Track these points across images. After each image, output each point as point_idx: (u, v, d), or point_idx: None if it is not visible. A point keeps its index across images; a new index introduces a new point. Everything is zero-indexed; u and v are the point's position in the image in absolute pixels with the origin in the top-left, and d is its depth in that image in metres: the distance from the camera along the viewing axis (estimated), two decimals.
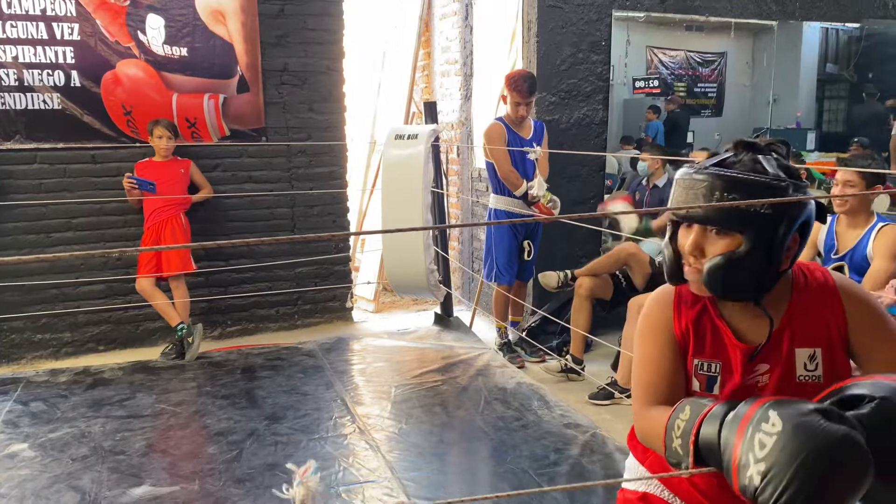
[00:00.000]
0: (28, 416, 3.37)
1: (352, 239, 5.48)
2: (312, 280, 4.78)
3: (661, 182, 4.44)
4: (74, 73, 4.11)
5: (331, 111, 4.68)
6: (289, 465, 1.51)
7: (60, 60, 4.09)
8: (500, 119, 4.00)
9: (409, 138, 4.19)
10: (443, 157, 4.94)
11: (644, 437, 1.26)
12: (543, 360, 4.07)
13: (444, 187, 4.70)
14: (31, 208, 4.15)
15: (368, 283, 5.35)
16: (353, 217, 5.19)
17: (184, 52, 4.30)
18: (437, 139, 4.38)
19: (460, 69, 5.26)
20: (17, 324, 4.19)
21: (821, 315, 1.24)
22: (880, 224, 2.79)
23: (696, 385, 1.25)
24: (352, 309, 5.03)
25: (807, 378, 1.22)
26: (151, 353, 4.29)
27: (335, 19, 4.62)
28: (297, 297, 4.78)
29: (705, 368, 1.25)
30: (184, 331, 4.14)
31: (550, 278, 3.90)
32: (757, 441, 0.93)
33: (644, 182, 4.60)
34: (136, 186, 4.07)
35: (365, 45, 5.91)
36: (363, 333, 4.74)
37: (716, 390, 1.24)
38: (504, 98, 3.96)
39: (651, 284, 3.64)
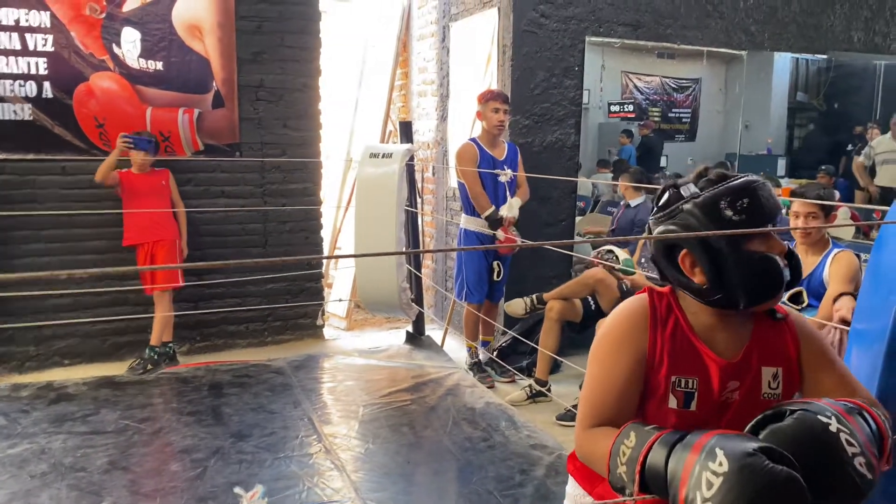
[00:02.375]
0: None
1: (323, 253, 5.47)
2: (283, 296, 4.76)
3: (634, 202, 4.51)
4: (47, 85, 4.09)
5: (306, 128, 4.69)
6: (236, 490, 1.50)
7: (33, 71, 4.06)
8: (473, 140, 4.04)
9: (383, 157, 4.21)
10: (418, 176, 4.97)
11: (586, 457, 1.26)
12: (513, 381, 4.09)
13: (419, 206, 4.73)
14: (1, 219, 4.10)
15: (340, 300, 5.34)
16: (326, 234, 5.19)
17: (159, 66, 4.30)
18: (411, 158, 4.41)
19: (437, 90, 5.31)
20: None
21: (780, 337, 1.29)
22: (836, 250, 2.86)
23: (672, 402, 1.25)
24: (323, 326, 5.02)
25: (770, 396, 1.26)
26: (118, 368, 4.24)
27: (312, 37, 4.65)
28: (268, 313, 4.76)
29: (683, 385, 1.25)
30: (155, 353, 4.15)
31: (517, 306, 3.92)
32: (704, 480, 0.96)
33: (620, 202, 4.66)
34: (132, 146, 4.01)
35: (342, 63, 5.95)
36: (334, 351, 4.72)
37: (693, 406, 1.24)
38: (479, 115, 3.99)
39: None
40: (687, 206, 1.21)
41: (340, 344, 4.96)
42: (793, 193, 3.06)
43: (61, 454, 3.08)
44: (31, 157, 4.13)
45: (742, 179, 1.20)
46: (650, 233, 1.27)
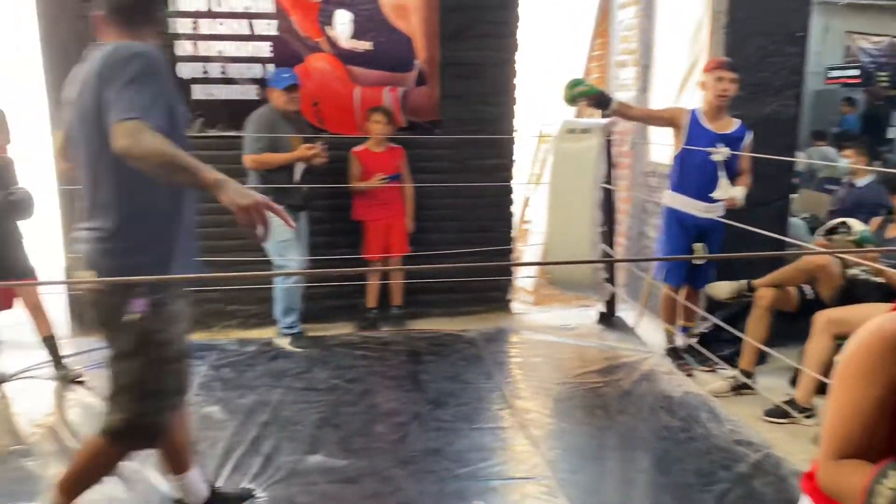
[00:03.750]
0: (220, 381, 3.71)
1: (514, 230, 5.49)
2: (475, 269, 4.85)
3: (861, 182, 4.05)
4: (270, 67, 4.43)
5: (502, 104, 4.70)
6: None
7: (259, 54, 4.42)
8: (693, 110, 3.80)
9: (582, 132, 4.12)
10: (614, 150, 4.80)
11: (832, 490, 1.16)
12: (713, 370, 3.88)
13: (614, 183, 4.59)
14: None
15: (530, 276, 5.35)
16: (516, 210, 5.20)
17: (368, 45, 4.50)
18: (611, 133, 4.28)
19: (638, 59, 5.08)
20: (213, 294, 4.61)
21: None
22: None
23: None
24: (511, 301, 5.06)
25: None
26: (327, 330, 4.54)
27: (511, 12, 4.63)
28: (461, 285, 4.88)
29: None
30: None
31: (722, 289, 3.67)
32: None
33: (843, 181, 4.21)
34: (387, 183, 4.32)
35: (539, 36, 5.88)
36: (523, 326, 4.76)
37: None
38: (703, 84, 3.76)
39: (842, 299, 3.35)
40: None
41: (529, 319, 4.98)
42: None
43: (280, 407, 3.39)
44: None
45: None
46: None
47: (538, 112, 5.87)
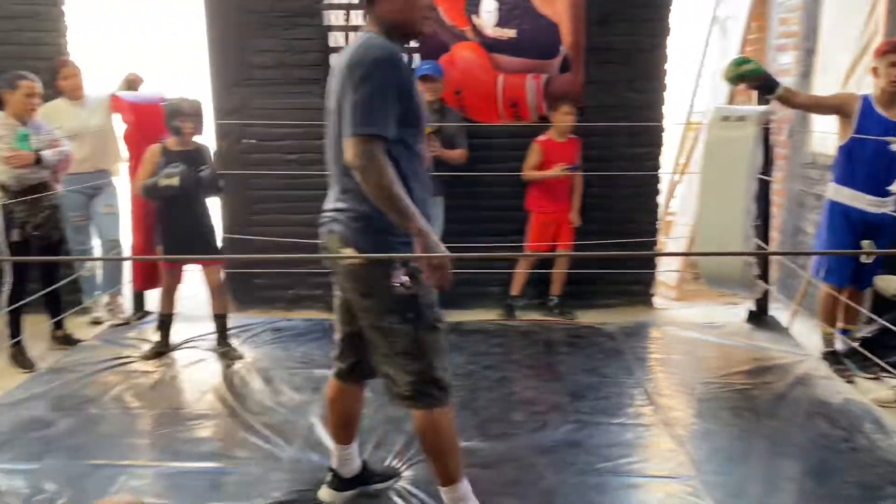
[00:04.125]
0: None
1: (659, 220, 5.29)
2: (616, 261, 4.74)
3: None
4: (416, 57, 4.52)
5: (650, 90, 4.55)
6: None
7: (407, 44, 4.52)
8: (866, 96, 3.51)
9: (737, 120, 3.90)
10: (772, 139, 4.52)
11: None
12: (878, 378, 3.57)
13: (771, 174, 4.32)
14: None
15: (673, 270, 5.15)
16: (660, 199, 5.02)
17: (512, 33, 4.48)
18: (768, 122, 4.03)
19: (799, 43, 4.74)
20: None
21: None
22: None
23: None
24: (654, 295, 4.90)
25: None
26: (463, 316, 4.58)
27: None
28: (600, 276, 4.78)
29: None
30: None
31: (891, 283, 3.37)
32: None
33: None
34: (567, 173, 4.37)
35: (691, 18, 5.62)
36: (665, 322, 4.59)
37: None
38: (875, 70, 3.46)
39: None
40: None
41: (671, 315, 4.80)
42: None
43: None
44: None
45: None
46: None
47: (688, 98, 5.61)
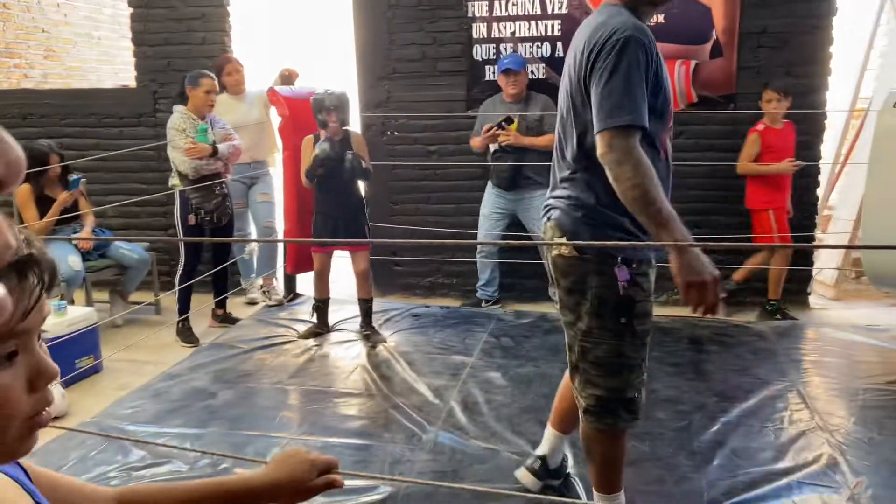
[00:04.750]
0: (500, 349, 3.88)
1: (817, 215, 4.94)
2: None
3: None
4: (559, 45, 4.47)
5: (813, 74, 4.25)
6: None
7: (548, 33, 4.49)
8: None
9: None
10: None
11: None
12: None
13: None
14: None
15: (833, 267, 4.79)
16: (819, 192, 4.68)
17: (660, 18, 4.33)
18: None
19: None
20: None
21: None
22: None
23: None
24: (810, 294, 4.59)
25: None
26: None
27: None
28: (755, 273, 4.53)
29: None
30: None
31: None
32: None
33: None
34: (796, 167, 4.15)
35: None
36: (821, 322, 4.30)
37: None
38: None
39: None
40: None
41: (828, 315, 4.48)
42: None
43: (559, 381, 3.44)
44: (539, 112, 4.59)
45: None
46: None
47: (853, 83, 5.20)
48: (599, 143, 1.72)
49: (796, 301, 4.54)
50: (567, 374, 2.18)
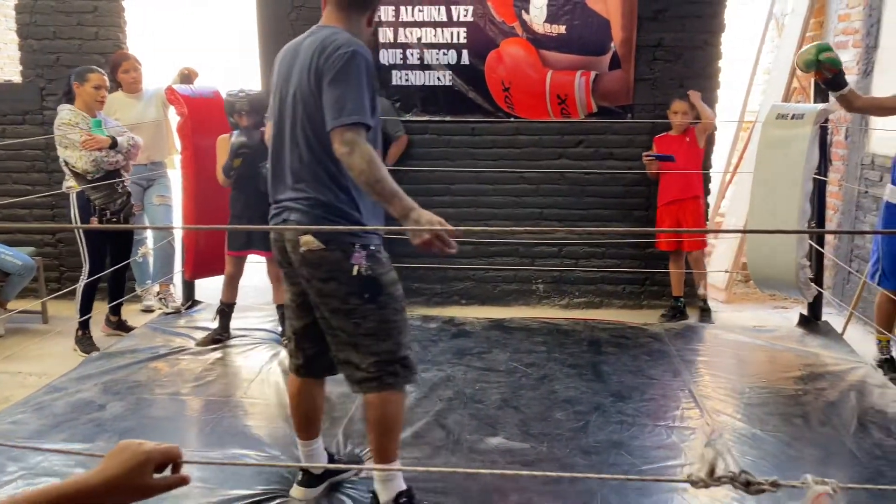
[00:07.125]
0: None
1: (708, 221, 5.19)
2: (662, 262, 4.66)
3: None
4: (465, 52, 4.52)
5: (703, 88, 4.46)
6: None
7: (454, 40, 4.52)
8: None
9: (793, 118, 3.79)
10: (828, 139, 4.39)
11: None
12: None
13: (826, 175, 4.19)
14: (420, 173, 4.68)
15: (725, 271, 5.04)
16: (710, 200, 4.92)
17: (562, 29, 4.45)
18: (826, 120, 3.91)
19: (860, 40, 4.59)
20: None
21: None
22: None
23: None
24: (704, 297, 4.80)
25: None
26: (503, 312, 4.58)
27: None
28: (646, 277, 4.72)
29: None
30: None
31: None
32: None
33: None
34: (654, 160, 4.35)
35: (745, 16, 5.49)
36: (713, 324, 4.50)
37: None
38: None
39: None
40: None
41: (720, 317, 4.71)
42: None
43: (463, 384, 3.47)
44: (448, 119, 4.63)
45: None
46: None
47: (741, 97, 5.49)
48: (334, 140, 2.00)
49: (689, 304, 4.74)
50: (296, 384, 2.40)
